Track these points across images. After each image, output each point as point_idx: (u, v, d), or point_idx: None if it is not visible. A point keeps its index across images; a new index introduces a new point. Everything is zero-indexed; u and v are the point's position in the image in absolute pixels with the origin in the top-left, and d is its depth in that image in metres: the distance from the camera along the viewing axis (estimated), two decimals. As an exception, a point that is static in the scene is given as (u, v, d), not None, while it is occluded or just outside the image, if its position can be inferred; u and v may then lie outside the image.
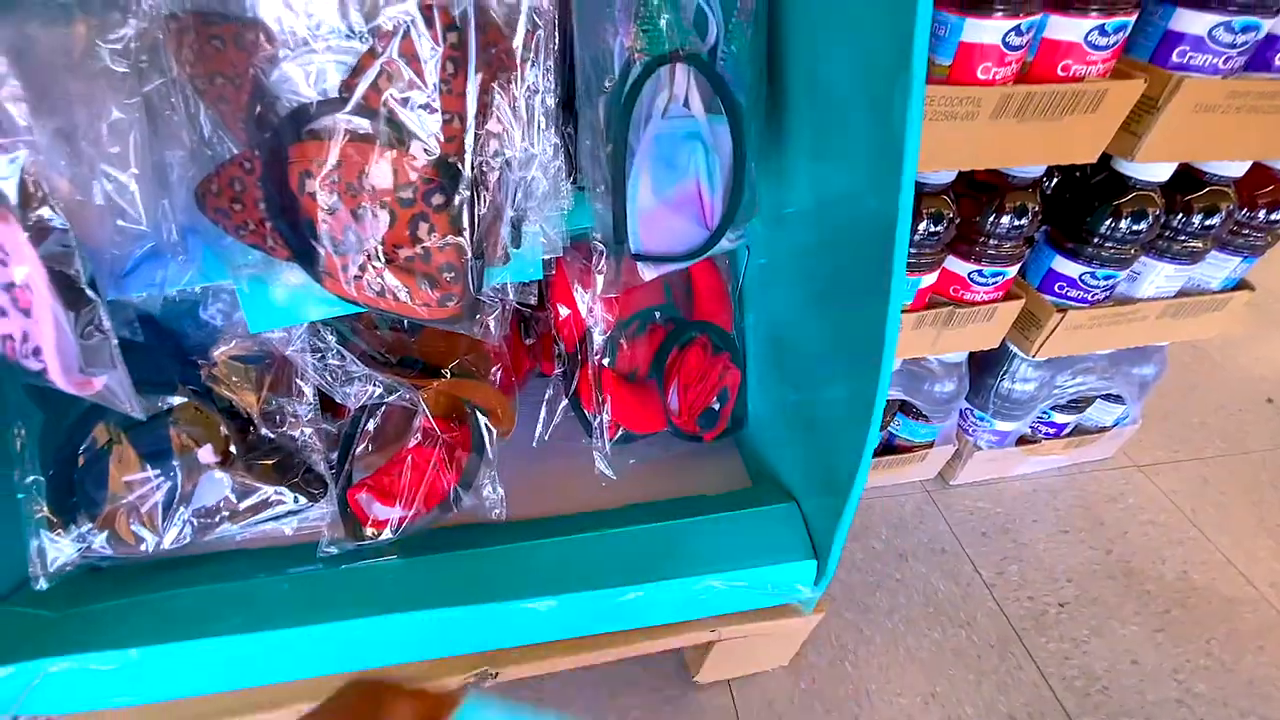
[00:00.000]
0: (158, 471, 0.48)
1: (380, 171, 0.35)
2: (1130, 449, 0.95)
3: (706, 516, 0.57)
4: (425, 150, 0.34)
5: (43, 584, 0.48)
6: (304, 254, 0.38)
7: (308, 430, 0.53)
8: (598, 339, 0.57)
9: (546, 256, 0.45)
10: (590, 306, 0.56)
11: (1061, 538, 0.84)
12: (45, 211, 0.29)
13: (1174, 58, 0.53)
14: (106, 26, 0.33)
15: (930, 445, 0.85)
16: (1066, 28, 0.49)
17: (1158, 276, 0.68)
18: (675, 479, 0.62)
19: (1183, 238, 0.65)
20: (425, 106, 0.33)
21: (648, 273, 0.45)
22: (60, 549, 0.48)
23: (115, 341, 0.33)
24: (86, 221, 0.32)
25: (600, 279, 0.44)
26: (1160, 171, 0.60)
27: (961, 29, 0.48)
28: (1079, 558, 0.81)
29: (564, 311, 0.57)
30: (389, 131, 0.34)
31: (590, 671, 0.64)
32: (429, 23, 0.32)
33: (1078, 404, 0.85)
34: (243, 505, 0.51)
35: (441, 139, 0.34)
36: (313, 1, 0.33)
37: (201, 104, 0.36)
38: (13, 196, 0.28)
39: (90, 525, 0.48)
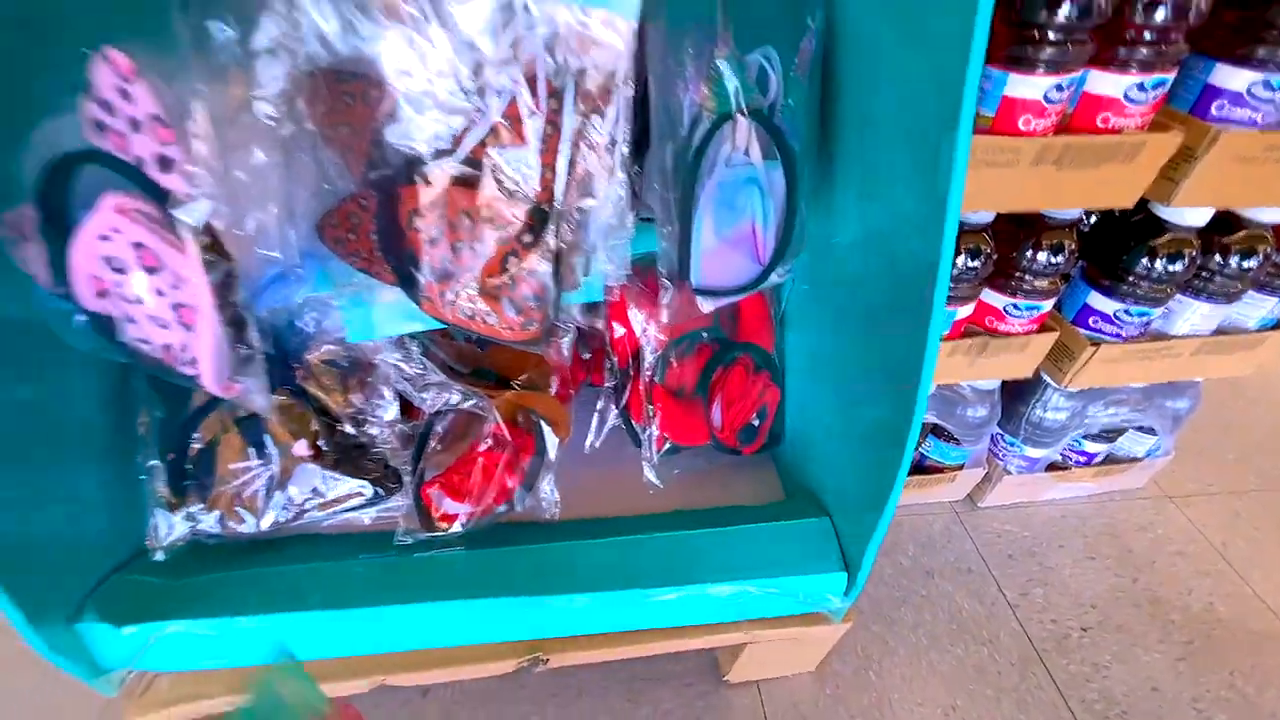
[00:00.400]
0: (260, 461, 0.55)
1: (480, 214, 0.40)
2: (1162, 480, 0.96)
3: (744, 526, 0.61)
4: (522, 198, 0.39)
5: (160, 555, 0.54)
6: (406, 280, 0.44)
7: (387, 430, 0.59)
8: (649, 356, 0.62)
9: (611, 284, 0.50)
10: (644, 326, 0.60)
11: (1088, 564, 0.85)
12: (216, 246, 0.35)
13: (1213, 111, 0.55)
14: (257, 84, 0.39)
15: (960, 467, 0.88)
16: (1106, 83, 0.52)
17: (1193, 315, 0.70)
18: (716, 489, 0.66)
19: (1219, 278, 0.67)
20: (524, 161, 0.38)
21: (706, 305, 0.50)
22: (174, 526, 0.54)
23: (262, 354, 0.39)
24: (238, 250, 0.38)
25: (667, 312, 0.49)
26: (1197, 216, 0.62)
27: (1005, 83, 0.51)
28: (1104, 584, 0.83)
29: (619, 330, 0.62)
30: (490, 181, 0.39)
31: (629, 664, 0.69)
32: (533, 90, 0.37)
33: (1109, 434, 0.87)
34: (330, 495, 0.57)
35: (537, 189, 0.39)
36: (431, 66, 0.38)
37: (328, 149, 0.42)
38: (196, 232, 0.34)
39: (200, 505, 0.54)
